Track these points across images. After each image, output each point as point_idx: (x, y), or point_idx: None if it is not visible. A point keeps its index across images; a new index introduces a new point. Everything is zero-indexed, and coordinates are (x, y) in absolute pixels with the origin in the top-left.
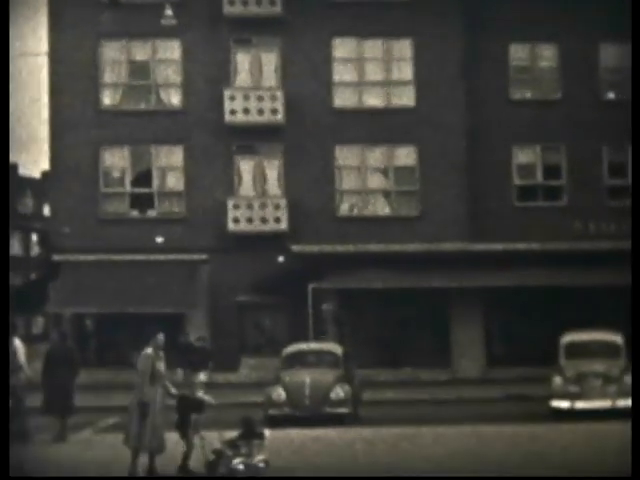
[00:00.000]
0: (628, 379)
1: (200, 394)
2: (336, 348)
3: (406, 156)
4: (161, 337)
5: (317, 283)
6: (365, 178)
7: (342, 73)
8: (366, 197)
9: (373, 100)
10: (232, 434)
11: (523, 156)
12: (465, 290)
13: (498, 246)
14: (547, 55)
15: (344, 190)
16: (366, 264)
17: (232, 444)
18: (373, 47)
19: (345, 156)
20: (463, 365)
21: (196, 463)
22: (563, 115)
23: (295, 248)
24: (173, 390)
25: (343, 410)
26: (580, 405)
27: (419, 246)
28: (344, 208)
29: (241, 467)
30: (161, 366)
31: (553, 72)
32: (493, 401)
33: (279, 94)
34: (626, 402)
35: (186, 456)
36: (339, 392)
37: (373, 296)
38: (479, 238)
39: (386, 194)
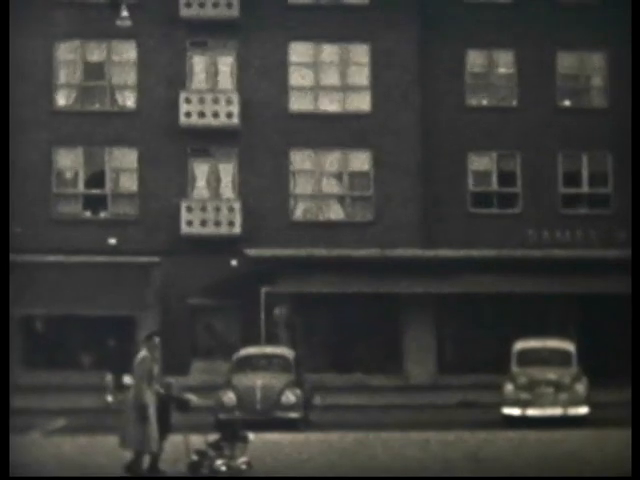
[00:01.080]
0: (579, 387)
1: (187, 394)
2: (288, 352)
3: (361, 161)
4: (157, 339)
5: (270, 287)
6: (319, 183)
7: (298, 77)
8: (320, 202)
9: (329, 105)
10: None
11: (479, 162)
12: (418, 296)
13: (451, 252)
14: (504, 62)
15: (298, 194)
16: (319, 269)
17: (215, 445)
18: (329, 52)
19: (300, 160)
20: (415, 371)
21: (168, 464)
22: (519, 122)
23: (248, 252)
24: (160, 390)
25: (294, 414)
26: (531, 412)
27: (372, 251)
28: (298, 212)
29: (223, 468)
30: (155, 368)
31: (510, 79)
32: (444, 407)
33: (234, 97)
34: (576, 410)
35: (156, 457)
36: (290, 396)
37: (326, 301)
38: (433, 244)
39: (340, 199)
